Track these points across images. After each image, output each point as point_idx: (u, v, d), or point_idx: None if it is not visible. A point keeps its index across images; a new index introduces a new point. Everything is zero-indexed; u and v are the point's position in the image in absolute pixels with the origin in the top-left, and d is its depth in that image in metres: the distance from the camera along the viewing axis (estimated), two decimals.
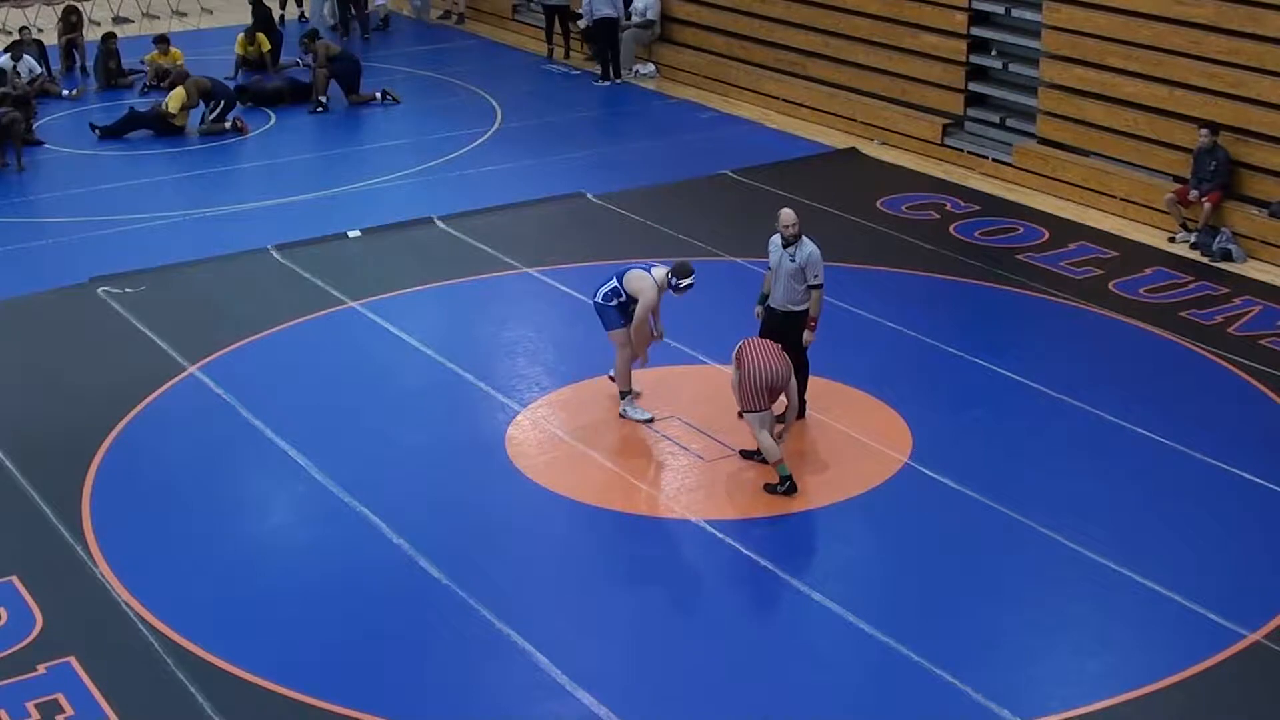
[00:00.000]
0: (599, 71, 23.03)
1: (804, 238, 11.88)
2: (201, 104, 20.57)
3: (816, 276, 11.84)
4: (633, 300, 11.92)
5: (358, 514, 11.04)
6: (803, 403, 12.20)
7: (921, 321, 14.11)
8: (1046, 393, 12.75)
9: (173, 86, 20.76)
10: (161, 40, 22.83)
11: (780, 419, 11.85)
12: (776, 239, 11.99)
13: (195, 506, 11.27)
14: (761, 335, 11.81)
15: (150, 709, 9.02)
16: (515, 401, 12.71)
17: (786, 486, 11.19)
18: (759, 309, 12.16)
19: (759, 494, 11.29)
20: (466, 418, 12.58)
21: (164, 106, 20.41)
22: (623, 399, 12.31)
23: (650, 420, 12.21)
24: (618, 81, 22.84)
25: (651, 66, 23.33)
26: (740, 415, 11.42)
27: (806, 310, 11.90)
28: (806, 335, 11.92)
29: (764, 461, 11.46)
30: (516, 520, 11.09)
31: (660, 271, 11.85)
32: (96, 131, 20.24)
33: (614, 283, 11.98)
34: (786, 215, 11.90)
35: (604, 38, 22.91)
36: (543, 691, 9.12)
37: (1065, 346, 13.94)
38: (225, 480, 11.72)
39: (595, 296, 12.15)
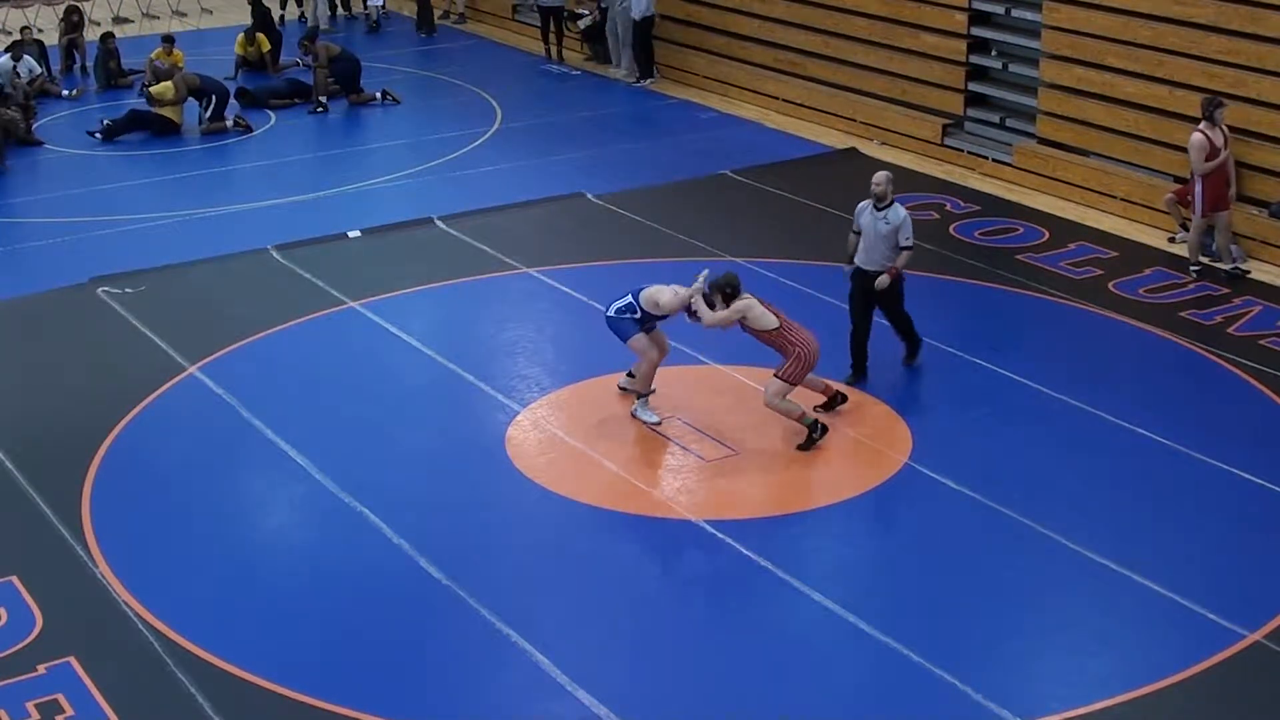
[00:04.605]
0: (638, 74, 22.87)
1: (895, 202, 12.60)
2: (197, 103, 20.56)
3: (908, 239, 12.65)
4: (650, 315, 12.07)
5: (358, 514, 11.04)
6: (918, 339, 13.15)
7: (922, 321, 14.08)
8: (1046, 393, 12.75)
9: None
10: (168, 40, 22.81)
11: (823, 407, 12.27)
12: (866, 203, 12.64)
13: (195, 506, 11.27)
14: (852, 294, 12.82)
15: (150, 709, 9.02)
16: (515, 401, 12.71)
17: (820, 431, 11.81)
18: (848, 268, 12.89)
19: (759, 494, 11.30)
20: (466, 418, 12.58)
21: (152, 94, 20.40)
22: (638, 399, 12.34)
23: (659, 423, 12.23)
24: (649, 81, 22.77)
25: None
26: (776, 375, 11.78)
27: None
28: (882, 279, 12.60)
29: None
30: (516, 520, 11.09)
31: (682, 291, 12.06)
32: (98, 137, 20.19)
33: (629, 299, 12.12)
34: (877, 177, 12.60)
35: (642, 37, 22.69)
36: (543, 691, 9.11)
37: (1065, 346, 13.93)
38: (225, 480, 11.72)
39: (608, 310, 12.23)
